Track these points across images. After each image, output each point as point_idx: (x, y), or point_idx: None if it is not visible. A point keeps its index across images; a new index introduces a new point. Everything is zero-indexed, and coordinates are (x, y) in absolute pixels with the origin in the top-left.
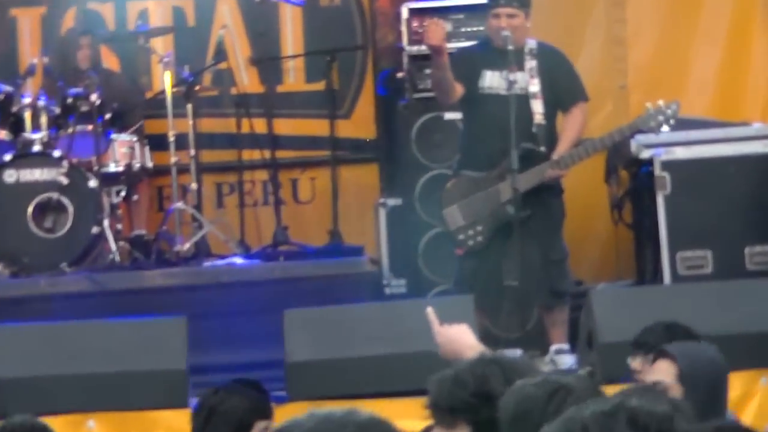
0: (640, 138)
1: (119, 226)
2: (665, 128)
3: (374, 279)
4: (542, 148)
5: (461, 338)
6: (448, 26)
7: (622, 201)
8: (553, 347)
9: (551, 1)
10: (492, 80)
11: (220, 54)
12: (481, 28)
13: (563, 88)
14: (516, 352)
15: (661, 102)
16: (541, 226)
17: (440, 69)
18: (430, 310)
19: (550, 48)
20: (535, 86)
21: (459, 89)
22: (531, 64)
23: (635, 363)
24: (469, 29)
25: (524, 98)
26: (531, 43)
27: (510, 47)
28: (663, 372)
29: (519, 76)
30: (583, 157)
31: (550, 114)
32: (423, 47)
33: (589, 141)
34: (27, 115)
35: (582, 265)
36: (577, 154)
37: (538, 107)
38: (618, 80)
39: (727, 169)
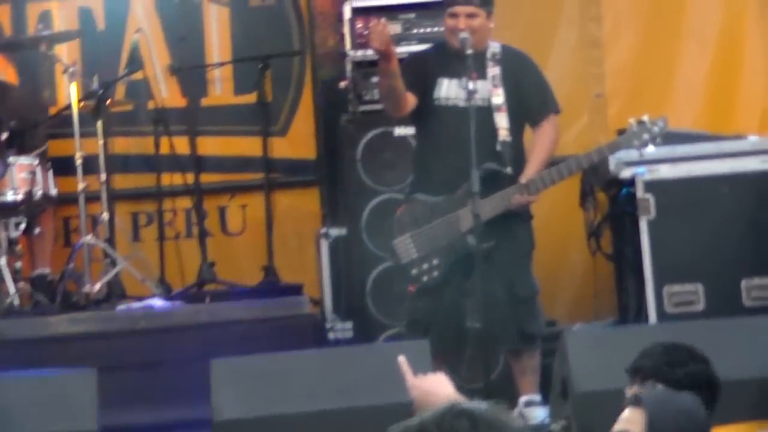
0: (620, 155)
1: (18, 265)
2: (651, 148)
3: (315, 322)
4: (508, 169)
5: (439, 390)
6: (397, 27)
7: (600, 228)
8: (523, 399)
9: None
10: (449, 90)
11: (135, 62)
12: (436, 29)
13: (532, 98)
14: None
15: (645, 117)
16: (507, 259)
17: (388, 77)
18: (402, 360)
19: (516, 52)
20: (498, 97)
21: (411, 100)
22: (494, 71)
23: (632, 391)
24: (421, 30)
25: (486, 111)
26: (494, 47)
27: (469, 51)
28: (633, 421)
29: (480, 85)
30: (556, 180)
31: (516, 129)
32: (369, 52)
33: (562, 162)
34: None
35: (555, 303)
36: (549, 176)
37: (502, 121)
38: (594, 88)
39: (720, 190)
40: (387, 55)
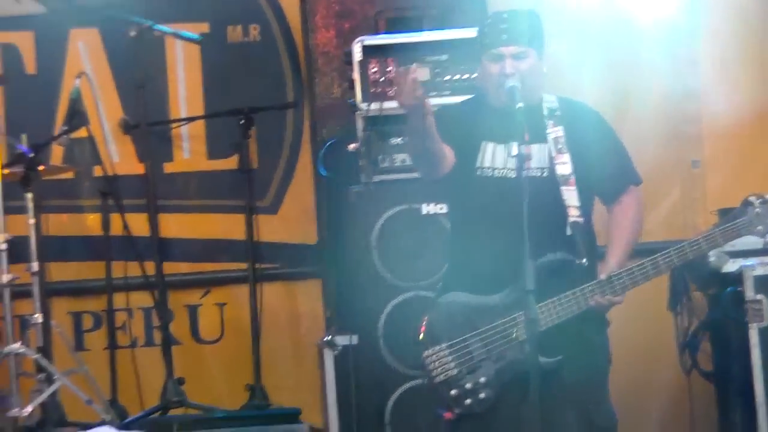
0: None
1: None
2: None
3: None
4: (583, 260)
5: None
6: (424, 73)
7: (697, 338)
8: None
9: (574, 30)
10: (495, 158)
11: (77, 116)
12: (476, 77)
13: (606, 165)
14: None
15: None
16: (579, 376)
17: (422, 137)
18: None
19: (579, 106)
20: (565, 166)
21: (451, 155)
22: (556, 131)
23: None
24: (456, 77)
25: (550, 183)
26: (550, 100)
27: (520, 105)
28: None
29: (537, 150)
30: (651, 276)
31: (586, 204)
32: (387, 104)
33: (661, 253)
34: None
35: None
36: (642, 272)
37: (572, 198)
38: (688, 152)
39: None
40: (420, 113)
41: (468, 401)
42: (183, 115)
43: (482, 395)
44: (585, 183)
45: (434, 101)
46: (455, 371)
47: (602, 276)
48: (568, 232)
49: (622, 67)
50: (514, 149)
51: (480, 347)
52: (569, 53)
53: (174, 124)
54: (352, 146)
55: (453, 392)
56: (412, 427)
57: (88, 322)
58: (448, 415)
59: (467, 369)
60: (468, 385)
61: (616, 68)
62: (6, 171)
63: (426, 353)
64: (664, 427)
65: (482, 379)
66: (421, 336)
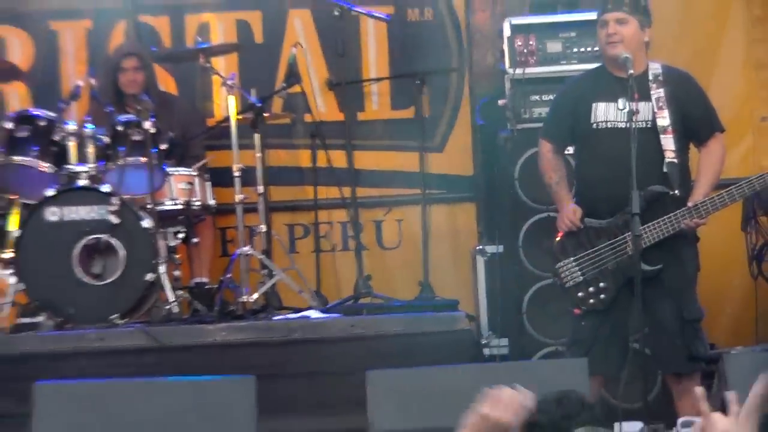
0: None
1: (177, 273)
2: None
3: (471, 338)
4: (676, 191)
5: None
6: (557, 46)
7: (762, 252)
8: (681, 419)
9: (677, 17)
10: (607, 113)
11: (293, 76)
12: (597, 49)
13: (698, 118)
14: (637, 425)
15: None
16: (674, 280)
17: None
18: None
19: (679, 72)
20: (664, 119)
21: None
22: (658, 92)
23: None
24: (582, 49)
25: (651, 132)
26: (655, 68)
27: (631, 71)
28: None
29: (642, 107)
30: (727, 203)
31: (682, 150)
32: (529, 69)
33: (734, 185)
34: (71, 145)
35: (714, 327)
36: (720, 200)
37: (669, 143)
38: (759, 110)
39: None
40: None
41: (591, 301)
42: (373, 75)
43: (602, 296)
44: (680, 132)
45: (564, 68)
46: (581, 278)
47: (690, 204)
48: (665, 170)
49: (709, 42)
50: (621, 104)
51: (599, 259)
52: (670, 27)
53: (366, 83)
54: (501, 102)
55: (580, 294)
56: (542, 316)
57: (299, 231)
58: (576, 311)
59: (590, 276)
60: (591, 289)
61: (704, 43)
62: (240, 116)
63: (558, 264)
64: (735, 321)
65: (602, 284)
66: (557, 240)
